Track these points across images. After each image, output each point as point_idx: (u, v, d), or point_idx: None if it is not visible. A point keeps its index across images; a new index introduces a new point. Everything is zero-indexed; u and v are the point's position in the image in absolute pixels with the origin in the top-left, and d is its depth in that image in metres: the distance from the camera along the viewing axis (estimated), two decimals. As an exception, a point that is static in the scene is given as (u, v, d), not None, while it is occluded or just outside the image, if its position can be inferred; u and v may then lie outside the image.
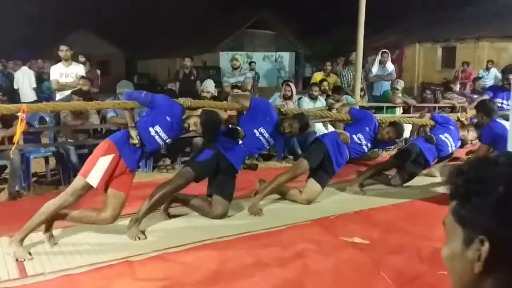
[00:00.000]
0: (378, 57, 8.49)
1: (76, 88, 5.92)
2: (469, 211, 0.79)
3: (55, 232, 3.59)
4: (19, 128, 3.74)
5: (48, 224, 3.42)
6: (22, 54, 15.14)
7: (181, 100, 4.00)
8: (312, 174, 4.66)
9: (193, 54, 10.42)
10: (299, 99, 7.34)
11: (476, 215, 0.77)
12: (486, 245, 0.75)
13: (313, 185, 4.62)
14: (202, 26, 27.59)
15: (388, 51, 8.78)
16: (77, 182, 3.43)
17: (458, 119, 5.85)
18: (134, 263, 3.10)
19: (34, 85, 10.23)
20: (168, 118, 3.72)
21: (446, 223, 0.86)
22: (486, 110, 4.86)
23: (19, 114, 4.64)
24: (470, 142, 5.59)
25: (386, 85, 8.22)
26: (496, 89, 5.91)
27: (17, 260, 3.13)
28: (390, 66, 8.47)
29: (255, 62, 12.91)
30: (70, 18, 28.18)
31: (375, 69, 8.36)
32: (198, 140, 6.21)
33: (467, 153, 6.67)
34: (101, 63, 20.91)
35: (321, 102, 7.34)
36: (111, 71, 25.36)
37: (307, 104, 7.12)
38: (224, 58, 24.77)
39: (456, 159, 6.33)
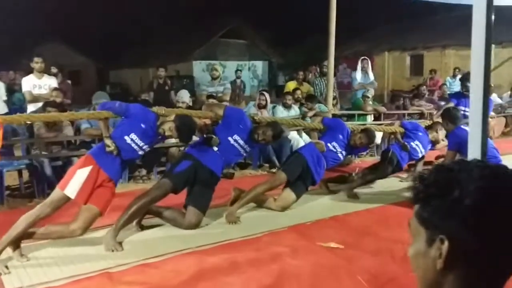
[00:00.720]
0: (359, 65, 8.67)
1: (49, 100, 5.87)
2: (429, 214, 0.88)
3: (32, 245, 3.56)
4: None
5: (16, 243, 3.38)
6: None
7: (154, 109, 4.04)
8: (289, 183, 4.76)
9: (166, 64, 10.27)
10: (274, 107, 7.45)
11: (436, 217, 0.86)
12: (446, 243, 0.84)
13: (288, 194, 4.72)
14: (175, 35, 27.56)
15: (367, 58, 8.96)
16: (55, 194, 3.45)
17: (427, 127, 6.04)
18: (114, 274, 3.11)
19: (5, 98, 10.05)
20: (142, 125, 3.76)
21: (410, 225, 0.95)
22: (450, 117, 5.05)
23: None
24: (442, 140, 5.76)
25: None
26: (459, 96, 6.14)
27: None
28: (371, 75, 8.66)
29: (241, 70, 12.35)
30: (39, 28, 27.70)
31: (359, 76, 8.54)
32: (174, 150, 6.24)
33: (437, 158, 6.92)
34: (72, 74, 20.65)
35: (295, 110, 7.47)
36: (82, 81, 25.08)
37: (281, 113, 7.23)
38: (198, 68, 24.82)
39: (430, 163, 6.55)
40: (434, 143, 5.87)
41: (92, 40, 30.05)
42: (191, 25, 28.29)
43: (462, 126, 4.87)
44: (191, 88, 16.17)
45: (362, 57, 8.92)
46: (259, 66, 25.24)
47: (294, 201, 4.75)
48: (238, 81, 11.00)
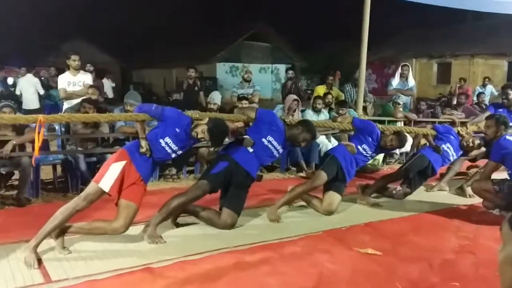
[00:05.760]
0: (399, 71, 8.59)
1: (85, 97, 5.97)
2: None
3: (73, 238, 3.63)
4: (38, 139, 3.80)
5: (59, 234, 3.45)
6: (18, 61, 15.18)
7: (189, 113, 4.09)
8: (328, 186, 4.78)
9: (189, 65, 10.12)
10: (303, 111, 7.45)
11: None
12: None
13: (333, 196, 4.73)
14: (199, 37, 27.79)
15: (408, 64, 8.82)
16: (90, 187, 3.51)
17: (458, 133, 5.98)
18: (155, 269, 3.15)
19: (42, 92, 10.26)
20: (177, 130, 3.82)
21: (502, 230, 0.95)
22: (505, 123, 4.90)
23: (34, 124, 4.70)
24: (471, 143, 5.68)
25: (407, 101, 8.35)
26: (498, 106, 6.03)
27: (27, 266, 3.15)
28: (411, 81, 8.56)
29: (293, 70, 10.30)
30: (64, 26, 28.21)
31: (395, 82, 8.46)
32: (203, 150, 6.29)
33: (468, 168, 6.84)
34: (96, 72, 20.91)
35: (324, 115, 7.47)
36: (106, 80, 25.29)
37: (310, 117, 7.21)
38: (221, 69, 24.97)
39: (463, 174, 6.49)
40: (466, 149, 5.78)
41: (116, 39, 30.46)
42: (215, 27, 28.51)
43: (507, 137, 4.77)
44: (214, 89, 16.28)
45: (402, 64, 8.83)
46: (282, 69, 25.25)
47: (340, 201, 4.78)
48: (289, 83, 9.36)
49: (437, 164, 5.50)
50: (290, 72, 9.55)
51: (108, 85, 11.95)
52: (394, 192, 5.48)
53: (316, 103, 7.42)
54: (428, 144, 5.80)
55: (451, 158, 5.71)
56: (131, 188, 3.56)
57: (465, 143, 5.69)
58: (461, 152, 5.84)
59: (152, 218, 3.87)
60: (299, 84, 9.13)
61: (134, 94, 6.80)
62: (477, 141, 5.71)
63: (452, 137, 5.70)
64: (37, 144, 3.85)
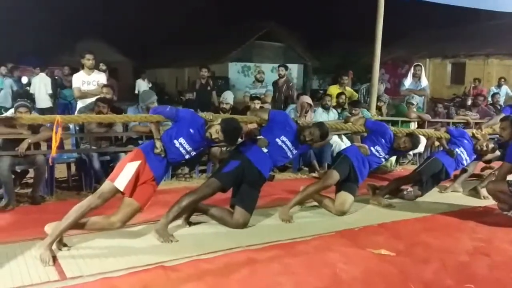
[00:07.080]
0: (411, 71, 8.54)
1: (99, 96, 6.02)
2: None
3: (87, 236, 3.68)
4: (55, 140, 3.85)
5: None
6: (32, 60, 15.38)
7: (202, 114, 4.11)
8: (340, 187, 4.77)
9: (201, 64, 9.96)
10: (314, 111, 7.43)
11: None
12: None
13: (345, 195, 4.72)
14: (211, 37, 27.83)
15: (421, 64, 8.74)
16: (105, 186, 3.55)
17: (474, 135, 5.94)
18: (169, 267, 3.17)
19: (50, 92, 10.38)
20: (191, 130, 3.85)
21: None
22: None
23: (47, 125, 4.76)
24: (485, 147, 5.64)
25: (420, 101, 8.28)
26: (513, 108, 5.97)
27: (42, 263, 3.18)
28: (424, 81, 8.50)
29: (286, 68, 8.98)
30: (78, 26, 28.46)
31: (407, 82, 8.41)
32: (216, 150, 6.31)
33: (482, 169, 6.77)
34: (109, 72, 21.05)
35: (333, 113, 7.45)
36: (119, 79, 25.48)
37: (320, 115, 7.22)
38: (233, 69, 24.97)
39: (478, 175, 6.44)
40: (480, 153, 5.76)
41: (129, 39, 30.64)
42: (227, 26, 28.53)
43: None
44: (226, 88, 16.29)
45: (415, 63, 8.76)
46: (294, 69, 25.15)
47: (352, 201, 4.76)
48: (281, 81, 8.59)
49: (451, 168, 5.46)
50: (281, 69, 8.71)
51: (144, 85, 12.07)
52: (405, 193, 5.45)
53: (326, 100, 7.40)
54: (442, 147, 5.76)
55: (465, 162, 5.67)
56: (141, 187, 3.60)
57: (479, 147, 5.66)
58: (475, 156, 5.79)
59: (163, 217, 3.89)
60: (291, 84, 8.80)
61: (149, 92, 6.83)
62: (491, 145, 5.67)
63: (465, 141, 5.67)
64: (55, 144, 3.90)
